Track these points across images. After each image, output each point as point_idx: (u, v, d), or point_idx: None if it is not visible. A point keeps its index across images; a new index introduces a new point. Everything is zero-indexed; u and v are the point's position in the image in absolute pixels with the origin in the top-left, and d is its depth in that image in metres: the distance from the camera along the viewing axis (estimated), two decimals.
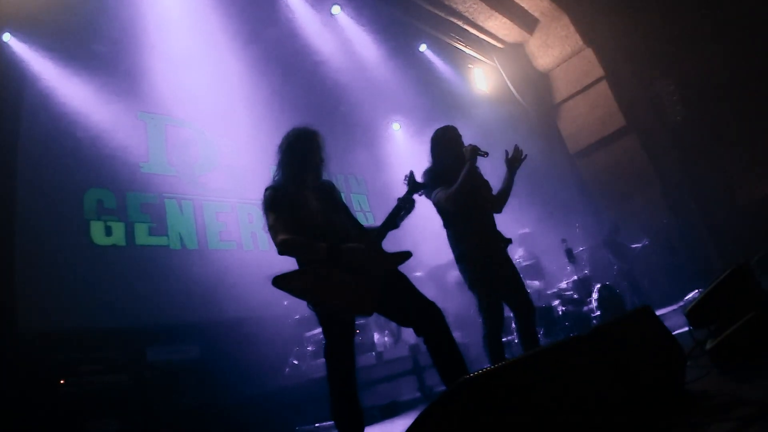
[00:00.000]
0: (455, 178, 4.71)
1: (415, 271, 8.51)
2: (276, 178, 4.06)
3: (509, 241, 4.97)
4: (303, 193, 3.93)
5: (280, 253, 3.77)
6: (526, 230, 9.58)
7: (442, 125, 5.15)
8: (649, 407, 2.42)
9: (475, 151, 4.76)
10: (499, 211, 5.13)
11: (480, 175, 5.00)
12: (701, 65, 10.04)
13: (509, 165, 5.06)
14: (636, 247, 10.00)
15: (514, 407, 1.88)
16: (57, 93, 7.28)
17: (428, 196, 4.86)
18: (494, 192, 5.12)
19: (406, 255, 3.97)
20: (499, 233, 4.94)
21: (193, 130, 8.83)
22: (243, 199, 8.94)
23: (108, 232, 7.39)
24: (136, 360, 6.60)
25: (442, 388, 4.28)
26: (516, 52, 12.22)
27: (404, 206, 4.08)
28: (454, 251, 4.90)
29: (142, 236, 7.73)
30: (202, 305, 7.55)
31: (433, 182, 4.82)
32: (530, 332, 4.80)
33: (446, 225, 4.95)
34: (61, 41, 7.37)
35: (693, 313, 3.69)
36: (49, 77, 7.26)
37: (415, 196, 4.23)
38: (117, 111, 7.75)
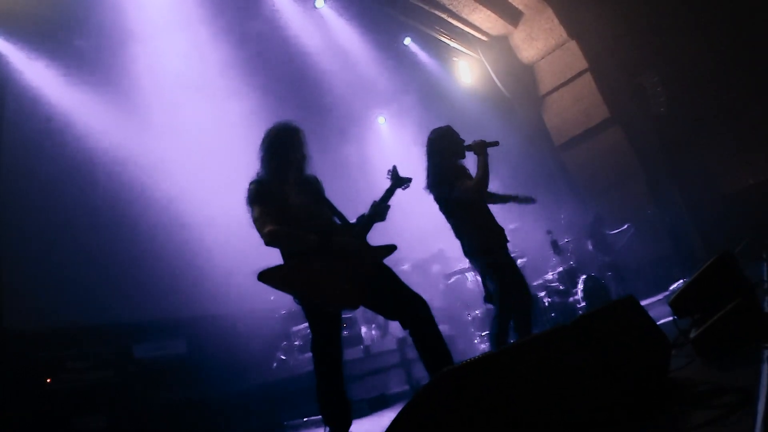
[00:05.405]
0: (462, 175, 4.89)
1: (401, 265, 8.51)
2: (259, 173, 4.06)
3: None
4: (285, 189, 3.93)
5: (268, 244, 3.77)
6: (512, 225, 9.56)
7: (434, 124, 5.25)
8: (634, 396, 2.44)
9: (484, 144, 4.85)
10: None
11: None
12: (685, 57, 10.08)
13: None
14: (620, 231, 10.03)
15: (499, 397, 1.89)
16: (40, 89, 7.20)
17: (442, 194, 4.96)
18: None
19: (392, 248, 3.99)
20: (499, 224, 5.08)
21: (176, 126, 8.75)
22: (228, 194, 8.87)
23: (92, 227, 7.33)
24: (122, 356, 6.59)
25: None
26: (500, 44, 12.19)
27: (386, 204, 4.11)
28: (468, 242, 4.98)
29: (126, 232, 7.68)
30: (188, 301, 7.53)
31: (446, 180, 4.91)
32: (526, 323, 4.90)
33: (456, 218, 5.02)
34: (43, 37, 7.26)
35: (677, 303, 3.72)
36: (32, 72, 7.17)
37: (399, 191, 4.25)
38: (101, 109, 7.67)
